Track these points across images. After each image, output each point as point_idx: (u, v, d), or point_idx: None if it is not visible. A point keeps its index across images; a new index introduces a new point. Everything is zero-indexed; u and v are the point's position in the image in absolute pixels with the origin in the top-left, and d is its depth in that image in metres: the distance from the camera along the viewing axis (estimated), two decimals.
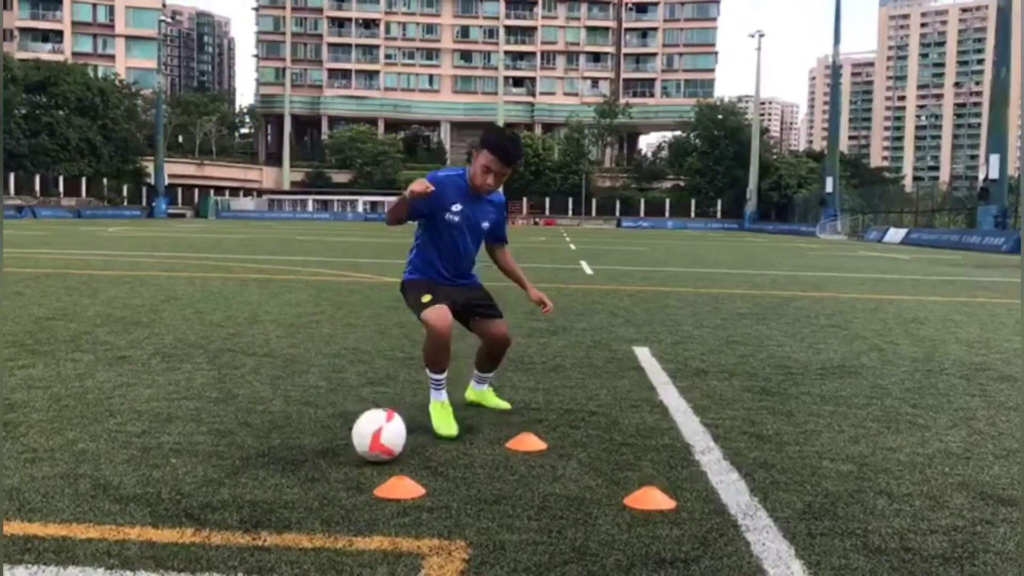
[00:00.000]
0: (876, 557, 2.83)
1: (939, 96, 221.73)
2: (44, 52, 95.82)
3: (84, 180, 78.90)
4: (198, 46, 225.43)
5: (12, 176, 71.32)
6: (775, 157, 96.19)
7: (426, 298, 4.33)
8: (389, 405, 4.85)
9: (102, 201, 79.64)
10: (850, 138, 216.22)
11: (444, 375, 4.40)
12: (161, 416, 4.53)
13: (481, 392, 4.89)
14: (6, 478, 3.44)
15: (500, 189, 4.51)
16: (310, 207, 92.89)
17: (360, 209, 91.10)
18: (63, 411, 4.58)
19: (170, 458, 3.78)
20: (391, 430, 3.80)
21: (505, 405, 4.85)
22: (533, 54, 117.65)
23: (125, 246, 23.45)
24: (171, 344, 6.89)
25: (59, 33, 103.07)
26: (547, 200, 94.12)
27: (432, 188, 4.14)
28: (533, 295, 4.74)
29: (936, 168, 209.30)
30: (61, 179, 76.91)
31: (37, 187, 74.44)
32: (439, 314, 4.28)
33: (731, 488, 3.53)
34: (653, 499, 3.30)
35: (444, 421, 4.30)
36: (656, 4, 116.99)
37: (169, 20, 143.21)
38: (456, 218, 4.38)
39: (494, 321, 4.62)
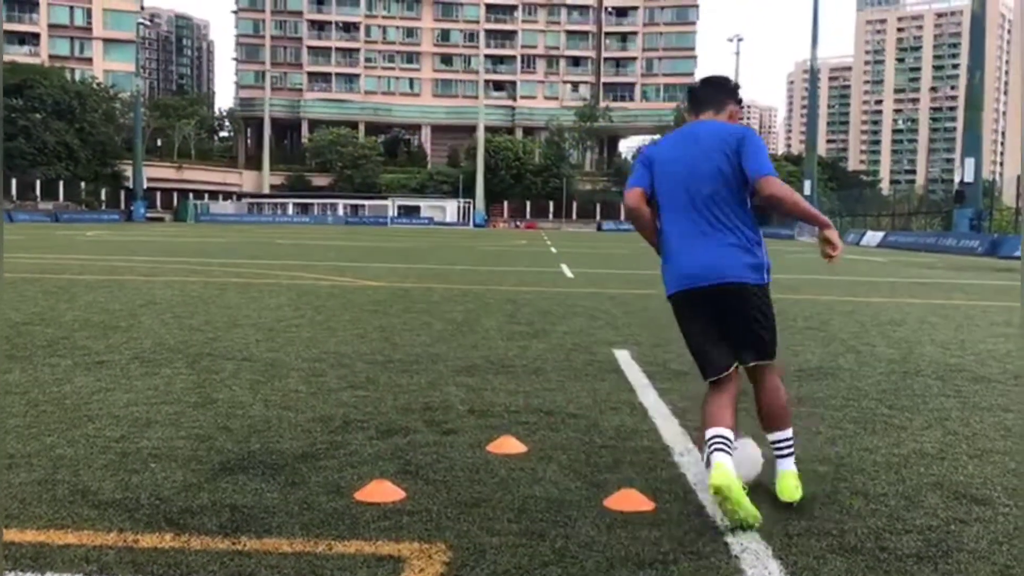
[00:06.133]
0: (852, 556, 2.87)
1: (915, 100, 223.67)
2: (20, 55, 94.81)
3: (61, 184, 78.15)
4: (177, 49, 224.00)
5: None
6: None
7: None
8: (371, 409, 4.87)
9: (80, 205, 78.92)
10: (828, 142, 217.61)
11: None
12: (140, 421, 4.51)
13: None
14: None
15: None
16: (290, 211, 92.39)
17: (340, 212, 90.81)
18: (40, 416, 4.55)
19: (149, 463, 3.77)
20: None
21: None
22: (513, 58, 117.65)
23: (103, 250, 23.27)
24: (150, 349, 6.85)
25: (36, 36, 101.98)
26: (528, 204, 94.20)
27: None
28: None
29: (913, 171, 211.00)
30: (38, 183, 76.15)
31: (14, 191, 73.74)
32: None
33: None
34: (632, 501, 3.32)
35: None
36: (635, 8, 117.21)
37: (147, 23, 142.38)
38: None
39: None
